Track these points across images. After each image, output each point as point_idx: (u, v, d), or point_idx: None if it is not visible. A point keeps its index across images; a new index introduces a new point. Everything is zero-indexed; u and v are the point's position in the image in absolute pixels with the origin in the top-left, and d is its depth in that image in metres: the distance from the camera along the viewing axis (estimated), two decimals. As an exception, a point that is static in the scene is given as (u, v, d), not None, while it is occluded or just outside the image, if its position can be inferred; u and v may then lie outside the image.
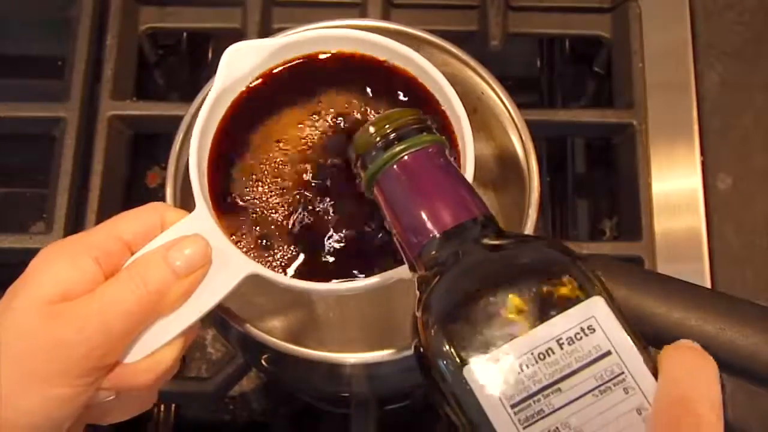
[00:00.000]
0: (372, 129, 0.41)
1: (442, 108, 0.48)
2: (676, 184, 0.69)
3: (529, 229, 0.52)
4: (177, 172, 0.53)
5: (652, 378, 0.34)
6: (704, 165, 0.69)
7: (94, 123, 0.68)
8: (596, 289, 0.35)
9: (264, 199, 0.48)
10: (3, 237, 0.65)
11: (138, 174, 0.75)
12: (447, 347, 0.35)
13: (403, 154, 0.40)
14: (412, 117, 0.41)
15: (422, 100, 0.49)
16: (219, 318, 0.51)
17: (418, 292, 0.38)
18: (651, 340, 0.54)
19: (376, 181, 0.41)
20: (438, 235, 0.39)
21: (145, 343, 0.42)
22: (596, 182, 0.78)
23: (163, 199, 0.52)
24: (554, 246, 0.38)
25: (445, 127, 0.48)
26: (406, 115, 0.41)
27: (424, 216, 0.39)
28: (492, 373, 0.34)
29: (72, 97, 0.69)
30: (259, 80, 0.49)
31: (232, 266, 0.44)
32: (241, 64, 0.49)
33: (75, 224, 0.66)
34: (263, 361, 0.57)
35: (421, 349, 0.36)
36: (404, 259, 0.41)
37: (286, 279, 0.45)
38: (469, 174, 0.46)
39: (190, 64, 0.80)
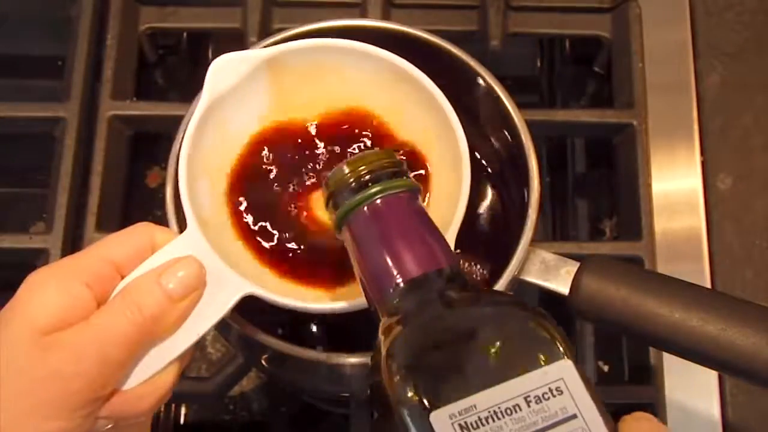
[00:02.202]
0: (346, 169, 0.40)
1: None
2: (676, 184, 0.69)
3: (529, 229, 0.52)
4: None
5: None
6: (704, 165, 0.69)
7: (94, 123, 0.68)
8: (564, 351, 0.36)
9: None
10: (3, 237, 0.65)
11: (138, 174, 0.75)
12: (412, 394, 0.34)
13: (376, 197, 0.39)
14: (388, 160, 0.41)
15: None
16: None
17: (381, 336, 0.37)
18: (652, 340, 0.54)
19: (347, 221, 0.40)
20: (402, 284, 0.38)
21: (142, 369, 0.41)
22: (596, 182, 0.78)
23: (163, 199, 0.52)
24: (520, 304, 0.38)
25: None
26: (382, 157, 0.41)
27: (390, 262, 0.39)
28: (457, 423, 0.34)
29: (72, 97, 0.69)
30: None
31: (227, 287, 0.43)
32: (228, 75, 0.48)
33: (75, 224, 0.66)
34: (263, 361, 0.57)
35: (381, 391, 0.36)
36: (367, 302, 0.40)
37: (283, 299, 0.45)
38: (460, 212, 0.47)
39: (190, 64, 0.80)
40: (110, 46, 0.71)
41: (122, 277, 0.42)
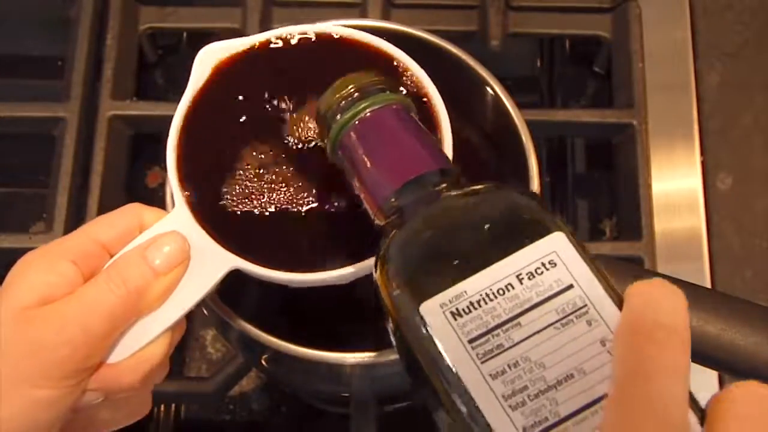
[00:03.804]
0: (335, 91, 0.41)
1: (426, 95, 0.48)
2: (676, 184, 0.69)
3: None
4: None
5: (616, 310, 0.33)
6: (704, 165, 0.69)
7: (94, 123, 0.68)
8: (558, 226, 0.35)
9: (241, 191, 0.47)
10: (3, 237, 0.65)
11: (138, 174, 0.75)
12: (406, 297, 0.34)
13: (366, 110, 0.40)
14: (375, 78, 0.41)
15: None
16: (219, 318, 0.51)
17: (379, 251, 0.37)
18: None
19: (340, 142, 0.40)
20: (399, 188, 0.38)
21: (128, 343, 0.42)
22: (596, 182, 0.78)
23: (163, 198, 0.52)
24: (514, 188, 0.37)
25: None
26: (369, 76, 0.41)
27: (384, 170, 0.39)
28: (448, 311, 0.33)
29: (72, 97, 0.69)
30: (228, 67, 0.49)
31: (213, 261, 0.44)
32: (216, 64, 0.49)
33: (75, 224, 0.66)
34: (263, 361, 0.57)
35: (385, 308, 0.35)
36: (373, 221, 0.40)
37: (269, 272, 0.45)
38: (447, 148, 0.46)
39: (190, 64, 0.80)
40: (110, 46, 0.71)
41: (110, 257, 0.43)
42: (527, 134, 0.54)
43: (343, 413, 0.63)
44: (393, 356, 0.49)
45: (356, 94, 0.40)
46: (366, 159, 0.40)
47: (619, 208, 0.72)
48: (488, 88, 0.56)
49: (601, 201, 0.76)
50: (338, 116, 0.40)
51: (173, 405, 0.71)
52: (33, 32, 0.81)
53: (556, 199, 0.78)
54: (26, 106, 0.69)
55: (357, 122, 0.40)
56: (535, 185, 0.53)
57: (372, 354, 0.51)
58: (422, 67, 0.50)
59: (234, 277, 0.48)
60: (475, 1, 0.73)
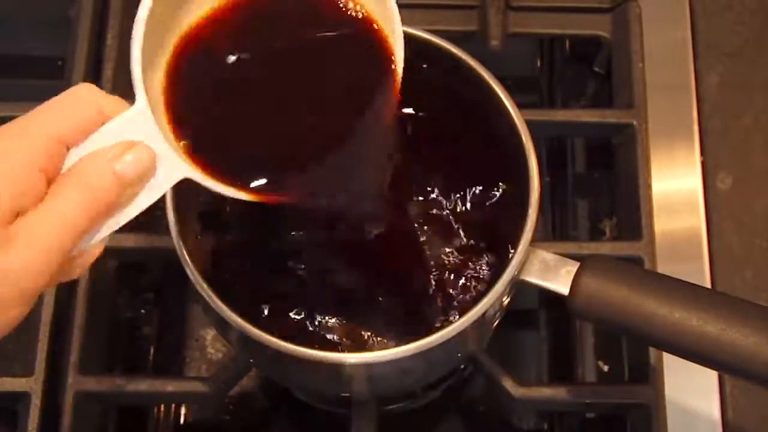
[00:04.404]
0: None
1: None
2: (676, 184, 0.69)
3: (529, 229, 0.52)
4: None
5: None
6: (704, 165, 0.69)
7: (94, 123, 0.68)
8: None
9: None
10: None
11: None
12: None
13: None
14: None
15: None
16: (219, 318, 0.51)
17: None
18: (652, 340, 0.54)
19: None
20: None
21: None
22: (596, 182, 0.78)
23: (162, 198, 0.52)
24: None
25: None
26: None
27: None
28: None
29: (72, 97, 0.69)
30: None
31: (169, 167, 0.44)
32: None
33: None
34: (263, 361, 0.57)
35: None
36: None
37: (221, 187, 0.45)
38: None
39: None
40: (110, 46, 0.71)
41: (68, 148, 0.43)
42: (527, 134, 0.54)
43: (343, 413, 0.63)
44: (392, 356, 0.49)
45: None
46: None
47: (619, 208, 0.72)
48: (488, 88, 0.56)
49: (601, 201, 0.76)
50: None
51: (173, 405, 0.71)
52: (33, 32, 0.81)
53: (556, 199, 0.78)
54: (26, 106, 0.69)
55: None
56: (535, 185, 0.53)
57: (372, 354, 0.51)
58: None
59: (235, 276, 0.48)
60: (475, 1, 0.73)
